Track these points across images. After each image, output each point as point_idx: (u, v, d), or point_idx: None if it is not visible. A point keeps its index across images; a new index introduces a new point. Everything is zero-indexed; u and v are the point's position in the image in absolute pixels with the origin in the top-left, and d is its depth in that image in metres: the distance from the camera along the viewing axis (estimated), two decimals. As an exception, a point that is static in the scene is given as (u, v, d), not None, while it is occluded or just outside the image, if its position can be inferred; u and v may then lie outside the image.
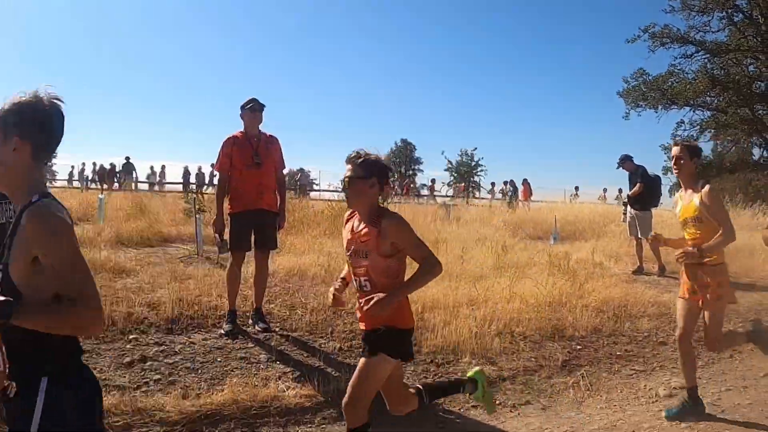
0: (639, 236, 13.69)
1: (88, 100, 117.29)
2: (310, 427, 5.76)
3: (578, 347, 8.36)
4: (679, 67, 32.85)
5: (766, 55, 29.80)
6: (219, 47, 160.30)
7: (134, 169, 40.75)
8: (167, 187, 42.45)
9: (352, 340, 7.65)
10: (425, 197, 47.46)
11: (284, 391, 6.16)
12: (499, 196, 42.05)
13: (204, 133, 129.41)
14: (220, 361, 6.73)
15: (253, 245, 7.87)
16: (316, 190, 46.48)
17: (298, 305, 8.66)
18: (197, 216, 12.69)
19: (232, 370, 6.54)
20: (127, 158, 40.36)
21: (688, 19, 32.11)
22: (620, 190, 35.70)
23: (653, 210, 14.27)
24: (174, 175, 46.09)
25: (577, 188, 43.93)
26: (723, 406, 6.71)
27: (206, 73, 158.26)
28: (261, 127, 7.97)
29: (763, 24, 30.08)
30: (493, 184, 46.85)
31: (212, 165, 37.51)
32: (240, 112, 7.89)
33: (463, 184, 54.41)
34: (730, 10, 31.09)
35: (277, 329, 7.78)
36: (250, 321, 7.89)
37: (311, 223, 15.12)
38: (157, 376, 6.27)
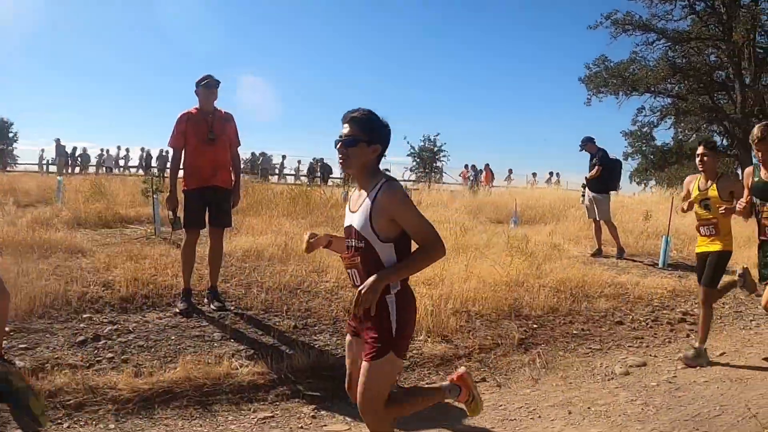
0: (597, 218, 13.78)
1: (53, 82, 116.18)
2: (263, 404, 5.77)
3: (535, 326, 8.42)
4: (640, 55, 33.16)
5: (727, 45, 30.05)
6: (182, 29, 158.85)
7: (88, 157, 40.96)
8: (131, 170, 42.26)
9: (306, 319, 7.68)
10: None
11: (237, 369, 6.15)
12: (461, 180, 42.28)
13: (169, 116, 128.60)
14: (174, 340, 6.69)
15: (207, 223, 7.82)
16: (276, 174, 46.42)
17: (254, 284, 8.62)
18: (154, 197, 12.60)
19: (185, 348, 6.52)
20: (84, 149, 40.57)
21: (650, 7, 32.38)
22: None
23: (612, 193, 14.34)
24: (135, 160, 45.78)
25: (534, 174, 44.32)
26: (679, 383, 6.83)
27: (174, 57, 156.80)
28: (216, 103, 7.89)
29: (725, 14, 30.33)
30: (467, 166, 47.01)
31: (160, 150, 37.58)
32: (195, 89, 7.80)
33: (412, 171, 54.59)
34: (692, -1, 31.40)
35: (232, 308, 7.73)
36: (206, 300, 7.84)
37: (270, 204, 15.04)
38: (110, 355, 6.23)
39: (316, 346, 6.99)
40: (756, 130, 6.57)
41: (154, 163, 40.39)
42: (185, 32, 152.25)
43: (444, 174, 55.13)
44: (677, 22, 32.61)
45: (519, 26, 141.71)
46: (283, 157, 48.19)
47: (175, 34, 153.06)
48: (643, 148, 37.26)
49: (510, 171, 44.56)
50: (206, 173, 7.63)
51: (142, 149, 43.00)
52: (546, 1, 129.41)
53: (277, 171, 47.31)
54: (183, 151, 7.69)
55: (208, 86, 7.75)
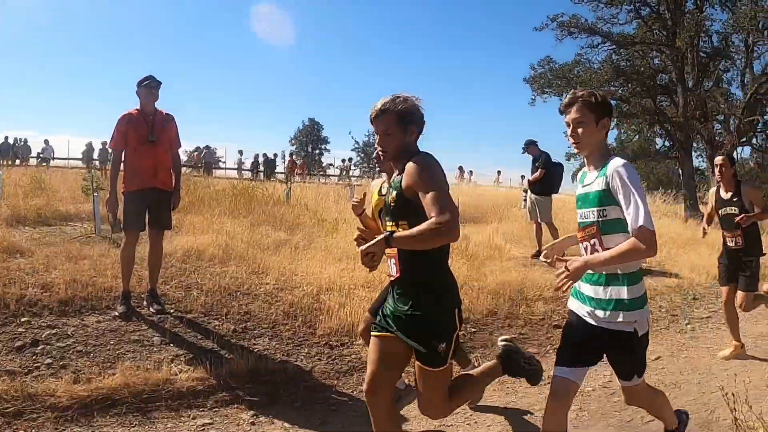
0: (539, 220, 13.95)
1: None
2: (203, 410, 5.75)
3: (473, 330, 8.53)
4: (585, 57, 33.34)
5: (671, 49, 30.33)
6: (130, 19, 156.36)
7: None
8: (72, 162, 41.54)
9: (246, 322, 7.68)
10: (332, 177, 47.44)
11: (177, 375, 6.15)
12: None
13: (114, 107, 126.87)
14: (113, 344, 6.65)
15: (147, 225, 7.78)
16: (222, 168, 46.04)
17: (194, 286, 8.58)
18: (95, 194, 12.48)
19: (124, 353, 6.49)
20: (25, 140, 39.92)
21: (596, 11, 32.53)
22: (522, 177, 36.42)
23: (553, 195, 14.51)
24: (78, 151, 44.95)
25: (471, 171, 44.69)
26: (614, 388, 6.85)
27: (116, 44, 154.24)
28: (157, 104, 7.85)
29: (670, 19, 30.62)
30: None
31: (103, 144, 37.05)
32: (136, 89, 7.74)
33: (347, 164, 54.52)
34: (638, 4, 31.51)
35: (171, 311, 7.70)
36: (145, 303, 7.78)
37: (212, 202, 14.91)
38: (49, 360, 6.18)
39: (256, 350, 6.99)
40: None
41: (96, 155, 39.77)
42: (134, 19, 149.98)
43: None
44: (622, 25, 32.90)
45: (466, 27, 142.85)
46: (240, 152, 47.77)
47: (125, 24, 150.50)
48: (586, 149, 37.56)
49: (462, 169, 45.01)
50: (146, 175, 7.58)
51: (87, 144, 42.26)
52: (493, 2, 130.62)
53: (221, 165, 46.99)
54: (123, 153, 7.66)
55: (149, 87, 7.70)
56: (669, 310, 10.74)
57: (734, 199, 7.68)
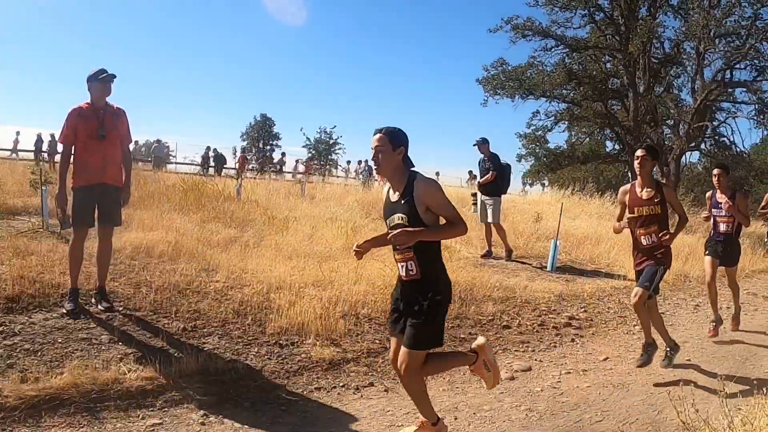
0: (489, 221, 14.03)
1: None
2: (152, 410, 5.69)
3: (423, 330, 8.53)
4: (538, 59, 33.56)
5: (623, 54, 30.65)
6: (76, 9, 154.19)
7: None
8: (21, 155, 40.85)
9: (196, 320, 7.61)
10: (283, 173, 47.31)
11: (125, 374, 6.06)
12: (354, 175, 42.48)
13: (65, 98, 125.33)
14: (61, 343, 6.54)
15: (96, 221, 7.65)
16: (172, 163, 45.69)
17: (143, 284, 8.47)
18: (43, 188, 12.31)
19: (72, 352, 6.38)
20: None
21: (550, 14, 32.73)
22: (470, 172, 36.69)
23: (503, 196, 14.58)
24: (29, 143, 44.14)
25: (437, 173, 44.95)
26: (563, 388, 7.02)
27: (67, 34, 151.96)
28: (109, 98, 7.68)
29: (623, 25, 30.93)
30: (348, 162, 47.23)
31: (51, 135, 36.47)
32: (88, 83, 7.56)
33: (312, 162, 54.37)
34: (592, 9, 31.79)
35: (120, 309, 7.58)
36: (93, 300, 7.66)
37: (162, 198, 14.77)
38: None
39: (205, 349, 6.94)
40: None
41: (45, 147, 39.15)
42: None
43: (339, 167, 55.21)
44: (576, 29, 33.18)
45: (422, 26, 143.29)
46: (176, 144, 47.41)
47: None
48: (537, 151, 38.01)
49: (437, 173, 45.26)
50: (96, 170, 7.45)
51: (38, 135, 41.45)
52: (449, 2, 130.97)
53: (172, 159, 46.65)
54: (73, 147, 7.55)
55: (104, 81, 7.56)
56: (617, 311, 10.90)
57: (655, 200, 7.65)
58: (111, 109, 7.72)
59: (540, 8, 32.64)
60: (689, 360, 8.45)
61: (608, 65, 34.46)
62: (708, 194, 10.27)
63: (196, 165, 42.94)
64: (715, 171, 10.06)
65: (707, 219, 10.10)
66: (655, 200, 7.46)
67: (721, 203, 9.74)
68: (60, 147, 7.92)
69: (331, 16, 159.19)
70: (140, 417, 5.55)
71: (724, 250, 9.80)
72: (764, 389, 5.56)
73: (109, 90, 7.68)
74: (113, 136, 7.63)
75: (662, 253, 7.52)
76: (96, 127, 7.48)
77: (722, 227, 9.83)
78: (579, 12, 32.28)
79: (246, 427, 5.52)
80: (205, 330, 7.43)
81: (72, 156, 7.57)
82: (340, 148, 66.56)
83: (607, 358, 8.37)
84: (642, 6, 31.91)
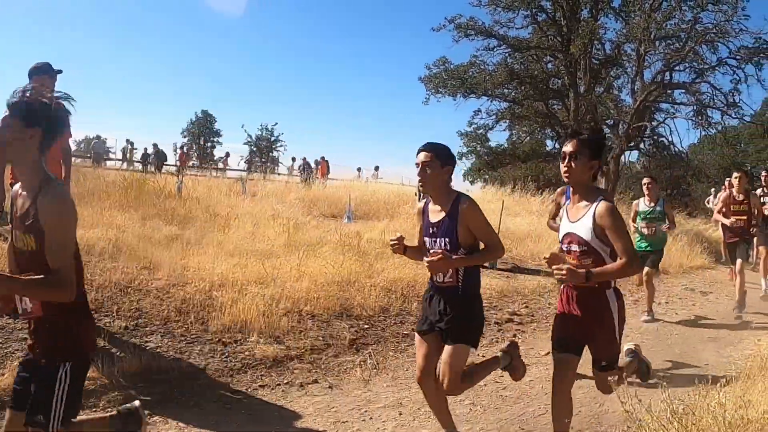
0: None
1: None
2: (95, 411, 5.57)
3: (366, 326, 8.59)
4: (480, 59, 33.71)
5: (564, 55, 30.91)
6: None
7: None
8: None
9: (138, 319, 7.52)
10: (223, 170, 47.09)
11: (67, 374, 5.99)
12: (296, 172, 42.49)
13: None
14: (1, 343, 6.43)
15: None
16: (112, 159, 45.13)
17: (84, 282, 8.32)
18: (-18, 185, 12.05)
19: (13, 353, 6.25)
20: None
21: (493, 14, 32.84)
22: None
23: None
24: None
25: (377, 167, 45.05)
26: (506, 383, 7.06)
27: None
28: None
29: (565, 26, 31.19)
30: (293, 159, 47.14)
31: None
32: (30, 77, 7.27)
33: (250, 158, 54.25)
34: (534, 10, 31.97)
35: None
36: (34, 299, 7.53)
37: (102, 195, 14.57)
38: None
39: (148, 348, 6.88)
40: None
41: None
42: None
43: (280, 164, 55.08)
44: (518, 30, 33.35)
45: (367, 24, 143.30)
46: (116, 141, 46.92)
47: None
48: (478, 149, 38.27)
49: (359, 169, 45.41)
50: (34, 166, 7.32)
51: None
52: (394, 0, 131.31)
53: (111, 155, 46.09)
54: None
55: (51, 75, 7.42)
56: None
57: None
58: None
59: (483, 8, 32.79)
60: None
61: (549, 65, 34.76)
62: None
63: (136, 162, 42.48)
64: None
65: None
66: None
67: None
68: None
69: (270, 14, 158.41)
70: (83, 417, 5.47)
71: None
72: (704, 379, 5.69)
73: (53, 86, 7.46)
74: None
75: None
76: None
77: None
78: (521, 12, 32.44)
79: (191, 426, 5.48)
80: (147, 329, 7.35)
81: None
82: (281, 145, 66.49)
83: (549, 352, 8.42)
84: (584, 8, 32.22)
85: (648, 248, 10.69)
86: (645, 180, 11.26)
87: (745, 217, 11.18)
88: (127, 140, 45.41)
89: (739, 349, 8.94)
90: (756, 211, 11.39)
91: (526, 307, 10.80)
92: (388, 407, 6.11)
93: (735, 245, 11.38)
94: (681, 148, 36.01)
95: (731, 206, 11.39)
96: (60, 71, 7.49)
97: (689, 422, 4.22)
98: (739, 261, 11.19)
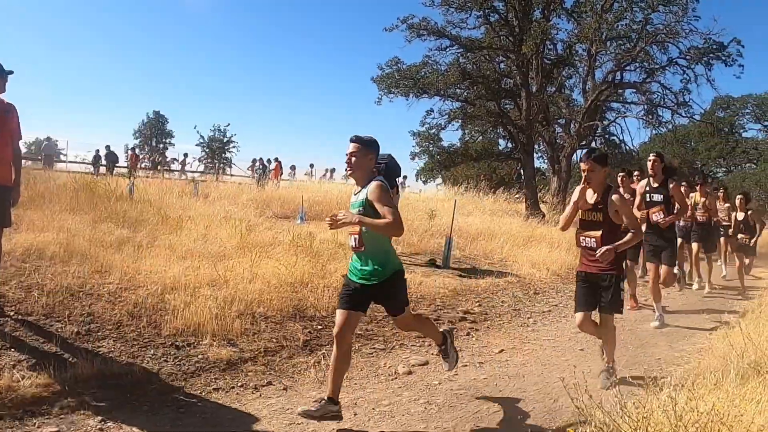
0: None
1: None
2: (48, 418, 5.54)
3: (319, 327, 8.59)
4: (433, 59, 33.77)
5: (516, 55, 31.06)
6: None
7: None
8: None
9: (90, 324, 7.45)
10: (176, 172, 46.79)
11: (19, 381, 5.91)
12: (249, 173, 42.46)
13: None
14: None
15: None
16: (63, 161, 44.61)
17: (35, 287, 8.24)
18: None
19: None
20: None
21: (446, 14, 32.88)
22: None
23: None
24: None
25: (334, 169, 45.03)
26: (459, 381, 7.14)
27: None
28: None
29: (517, 26, 31.31)
30: (254, 161, 46.87)
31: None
32: None
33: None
34: (487, 10, 32.04)
35: (11, 313, 7.37)
36: (-18, 305, 7.41)
37: (53, 197, 14.41)
38: None
39: (101, 352, 6.83)
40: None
41: None
42: None
43: (233, 166, 54.85)
44: (471, 30, 33.44)
45: (318, 24, 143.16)
46: (67, 142, 46.41)
47: None
48: (430, 149, 38.34)
49: (293, 167, 45.25)
50: (-16, 169, 7.25)
51: None
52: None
53: (62, 157, 45.64)
54: None
55: (2, 75, 7.34)
56: (511, 305, 11.19)
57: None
58: (2, 105, 7.42)
59: (436, 9, 32.83)
60: (582, 349, 8.75)
61: (502, 65, 34.88)
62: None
63: (87, 164, 42.04)
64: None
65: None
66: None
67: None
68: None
69: (222, 14, 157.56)
70: (36, 425, 5.41)
71: None
72: (656, 374, 5.80)
73: (3, 87, 7.40)
74: (3, 134, 7.35)
75: None
76: None
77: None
78: (474, 13, 32.54)
79: (145, 431, 5.49)
80: (99, 333, 7.29)
81: None
82: (234, 146, 66.15)
83: (503, 350, 8.57)
84: (536, 8, 32.42)
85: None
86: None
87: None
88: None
89: (692, 343, 9.10)
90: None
91: (479, 305, 10.91)
92: (343, 408, 6.02)
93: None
94: (632, 147, 36.56)
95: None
96: (11, 72, 7.43)
97: (640, 416, 4.31)
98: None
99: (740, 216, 15.56)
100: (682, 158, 49.21)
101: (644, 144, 49.82)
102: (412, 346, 8.47)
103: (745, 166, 61.93)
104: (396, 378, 7.25)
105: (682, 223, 13.78)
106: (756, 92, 60.32)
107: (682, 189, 12.01)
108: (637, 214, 9.72)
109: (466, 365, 7.78)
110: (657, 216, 10.17)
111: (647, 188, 10.41)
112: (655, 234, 10.33)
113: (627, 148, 36.01)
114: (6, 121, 7.44)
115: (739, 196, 14.50)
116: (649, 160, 10.40)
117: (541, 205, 31.03)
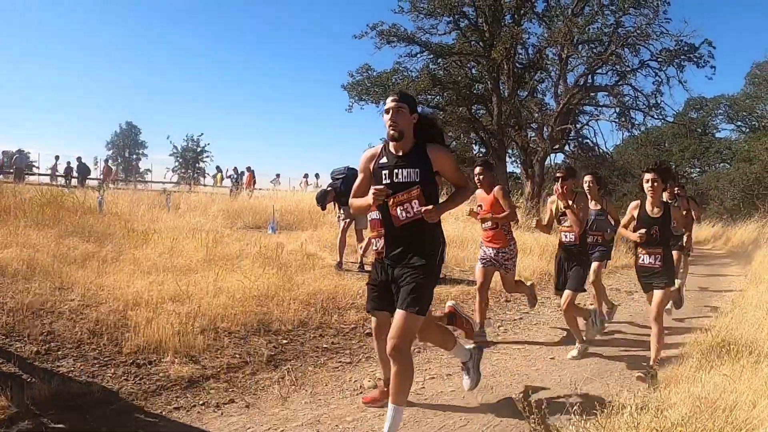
0: (356, 227, 14.01)
1: None
2: None
3: (284, 341, 8.52)
4: (403, 65, 33.81)
5: (487, 60, 31.16)
6: None
7: None
8: None
9: (49, 342, 7.34)
10: (147, 183, 46.69)
11: (-27, 404, 5.80)
12: (228, 182, 42.47)
13: None
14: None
15: None
16: (35, 174, 44.28)
17: (-6, 305, 8.13)
18: None
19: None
20: None
21: (416, 21, 33.02)
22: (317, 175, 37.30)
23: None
24: None
25: (278, 174, 45.03)
26: (426, 394, 7.12)
27: None
28: None
29: (487, 31, 31.41)
30: (235, 169, 46.83)
31: None
32: None
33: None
34: (457, 16, 32.19)
35: None
36: (-60, 325, 7.29)
37: (18, 212, 14.26)
38: None
39: (60, 372, 6.73)
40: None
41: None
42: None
43: (207, 175, 54.87)
44: (441, 36, 33.55)
45: (287, 32, 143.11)
46: (39, 154, 46.18)
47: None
48: (402, 154, 38.24)
49: (277, 175, 45.25)
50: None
51: None
52: (320, 7, 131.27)
53: (35, 170, 45.36)
54: None
55: None
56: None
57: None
58: None
59: (405, 15, 32.93)
60: (553, 357, 8.80)
61: (473, 71, 35.01)
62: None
63: (59, 176, 41.79)
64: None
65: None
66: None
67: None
68: None
69: (192, 23, 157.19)
70: (-8, 450, 5.34)
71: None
72: (626, 384, 5.79)
73: None
74: None
75: None
76: None
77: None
78: (444, 19, 32.69)
79: (100, 454, 5.42)
80: (59, 352, 7.19)
81: None
82: (207, 156, 66.19)
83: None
84: (507, 14, 32.55)
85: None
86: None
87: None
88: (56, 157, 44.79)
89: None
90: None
91: (450, 314, 10.90)
92: (306, 425, 6.05)
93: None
94: (605, 149, 36.77)
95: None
96: None
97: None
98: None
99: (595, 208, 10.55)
100: (657, 159, 49.60)
101: (618, 146, 50.35)
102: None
103: (719, 166, 62.76)
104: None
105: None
106: (728, 93, 61.20)
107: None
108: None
109: (433, 377, 7.73)
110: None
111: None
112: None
113: (601, 150, 36.20)
114: None
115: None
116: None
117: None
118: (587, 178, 10.29)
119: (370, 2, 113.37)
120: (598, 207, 10.38)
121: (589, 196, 10.02)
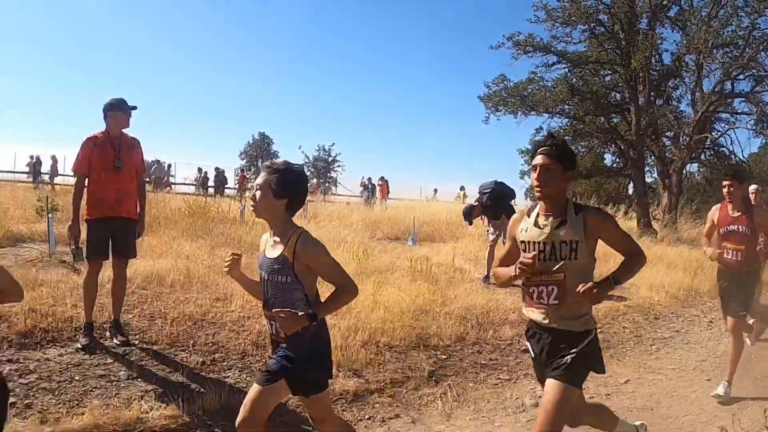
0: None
1: None
2: None
3: (443, 357, 8.39)
4: (539, 75, 33.47)
5: (624, 68, 30.60)
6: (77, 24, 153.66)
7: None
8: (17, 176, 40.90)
9: (215, 353, 7.41)
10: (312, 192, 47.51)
11: (148, 412, 5.86)
12: (360, 191, 42.74)
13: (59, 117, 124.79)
14: (79, 380, 6.34)
15: (111, 253, 7.43)
16: (171, 183, 45.57)
17: (158, 315, 8.28)
18: (49, 216, 12.07)
19: (91, 390, 6.18)
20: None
21: (551, 30, 32.68)
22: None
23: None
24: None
25: (435, 190, 45.13)
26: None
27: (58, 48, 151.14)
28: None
29: (623, 39, 30.88)
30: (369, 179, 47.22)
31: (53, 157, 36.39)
32: (106, 112, 7.40)
33: (316, 181, 54.44)
34: (592, 24, 31.72)
35: (136, 342, 7.39)
36: (108, 334, 7.45)
37: (168, 222, 14.54)
38: (12, 399, 5.77)
39: (227, 383, 6.78)
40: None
41: (45, 169, 38.99)
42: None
43: (339, 185, 55.37)
44: (576, 44, 33.12)
45: (426, 42, 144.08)
46: (174, 164, 47.36)
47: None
48: (540, 167, 38.01)
49: (435, 190, 45.58)
50: (110, 202, 7.26)
51: (31, 157, 41.02)
52: (452, 18, 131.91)
53: (171, 179, 46.64)
54: (87, 178, 7.35)
55: (126, 112, 7.43)
56: (632, 330, 10.79)
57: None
58: (126, 139, 7.56)
59: (541, 24, 32.55)
60: (709, 379, 8.35)
61: (608, 79, 34.38)
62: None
63: (191, 185, 42.90)
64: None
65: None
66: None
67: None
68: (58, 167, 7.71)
69: (326, 33, 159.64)
70: (166, 459, 5.33)
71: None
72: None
73: (128, 122, 7.56)
74: (129, 168, 7.48)
75: None
76: (112, 159, 7.32)
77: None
78: (579, 27, 32.20)
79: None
80: (225, 363, 7.25)
81: (86, 186, 7.37)
82: (339, 166, 66.86)
83: (628, 380, 8.25)
84: (642, 19, 31.83)
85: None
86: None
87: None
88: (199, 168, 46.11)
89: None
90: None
91: (601, 331, 10.46)
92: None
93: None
94: (742, 158, 35.44)
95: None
96: (135, 107, 7.55)
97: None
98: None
99: None
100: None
101: (754, 154, 48.45)
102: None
103: None
104: (524, 410, 7.01)
105: None
106: None
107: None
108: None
109: (592, 397, 7.41)
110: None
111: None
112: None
113: (737, 159, 34.91)
114: (131, 156, 7.57)
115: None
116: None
117: (653, 223, 30.25)
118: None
119: (504, 14, 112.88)
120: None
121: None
